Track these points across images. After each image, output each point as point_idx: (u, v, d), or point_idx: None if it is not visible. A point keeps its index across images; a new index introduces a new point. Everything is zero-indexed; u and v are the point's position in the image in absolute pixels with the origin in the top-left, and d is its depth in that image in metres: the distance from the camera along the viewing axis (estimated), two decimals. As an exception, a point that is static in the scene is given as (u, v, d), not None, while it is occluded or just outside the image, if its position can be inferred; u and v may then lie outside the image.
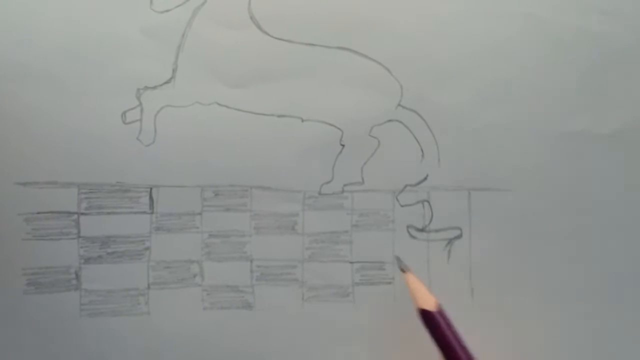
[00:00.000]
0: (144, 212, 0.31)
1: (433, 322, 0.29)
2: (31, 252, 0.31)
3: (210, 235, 0.32)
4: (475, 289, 0.33)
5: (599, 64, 0.33)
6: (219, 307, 0.32)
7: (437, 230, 0.33)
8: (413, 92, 0.32)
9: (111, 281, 0.31)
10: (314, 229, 0.32)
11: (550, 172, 0.33)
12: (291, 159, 0.32)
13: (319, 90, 0.32)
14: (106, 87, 0.31)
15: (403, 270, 0.30)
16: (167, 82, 0.31)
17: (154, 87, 0.31)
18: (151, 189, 0.31)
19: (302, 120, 0.32)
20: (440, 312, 0.29)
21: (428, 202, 0.33)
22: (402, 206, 0.33)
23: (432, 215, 0.33)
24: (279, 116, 0.32)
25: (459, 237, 0.33)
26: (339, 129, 0.32)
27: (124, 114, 0.31)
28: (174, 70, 0.31)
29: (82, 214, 0.31)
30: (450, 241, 0.33)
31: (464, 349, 0.28)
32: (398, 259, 0.32)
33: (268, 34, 0.32)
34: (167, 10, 0.31)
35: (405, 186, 0.33)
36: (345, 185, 0.32)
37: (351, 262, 0.33)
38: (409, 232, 0.33)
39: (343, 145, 0.32)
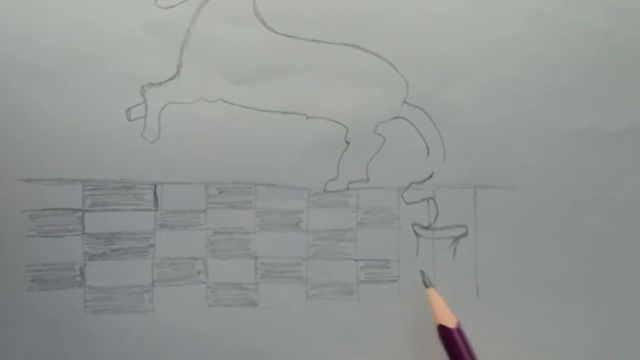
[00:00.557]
0: (149, 209, 0.31)
1: (450, 338, 0.29)
2: (35, 248, 0.31)
3: (214, 233, 0.32)
4: (480, 287, 0.32)
5: (606, 61, 0.33)
6: (223, 305, 0.32)
7: (442, 228, 0.33)
8: (419, 89, 0.32)
9: (115, 278, 0.31)
10: (318, 227, 0.32)
11: (557, 170, 0.33)
12: (296, 156, 0.32)
13: (324, 87, 0.32)
14: (110, 83, 0.31)
15: (426, 285, 0.31)
16: (171, 79, 0.31)
17: (159, 84, 0.31)
18: (155, 186, 0.31)
19: (307, 117, 0.32)
20: (459, 330, 0.29)
21: (433, 199, 0.33)
22: (407, 204, 0.32)
23: (437, 213, 0.33)
24: (284, 113, 0.32)
25: (465, 235, 0.33)
26: (344, 126, 0.32)
27: (128, 110, 0.31)
28: (179, 67, 0.31)
29: (87, 210, 0.31)
30: (455, 239, 0.33)
31: None
32: (422, 273, 0.32)
33: (273, 30, 0.31)
34: (172, 7, 0.31)
35: (411, 184, 0.32)
36: (350, 182, 0.32)
37: (356, 260, 0.32)
38: (414, 230, 0.33)
39: (348, 143, 0.32)
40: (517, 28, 0.32)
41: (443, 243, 0.33)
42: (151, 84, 0.31)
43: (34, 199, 0.31)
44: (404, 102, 0.32)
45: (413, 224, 0.33)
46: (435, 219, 0.33)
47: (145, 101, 0.31)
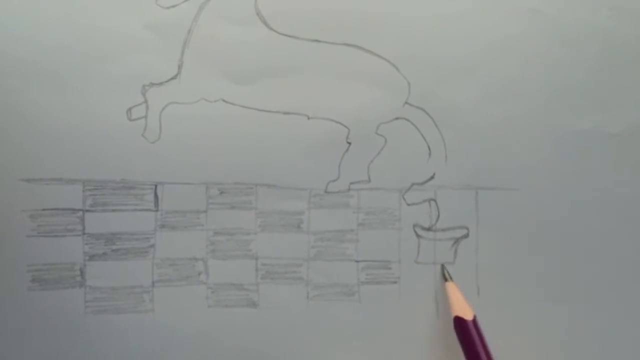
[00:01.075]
0: (149, 210, 0.31)
1: (466, 330, 0.30)
2: (36, 248, 0.31)
3: (215, 233, 0.32)
4: (481, 288, 0.32)
5: (608, 61, 0.33)
6: (223, 305, 0.32)
7: (443, 230, 0.32)
8: (420, 89, 0.32)
9: (116, 278, 0.31)
10: (319, 228, 0.32)
11: (558, 171, 0.33)
12: (297, 157, 0.32)
13: (326, 87, 0.32)
14: (111, 83, 0.31)
15: (445, 279, 0.31)
16: (172, 79, 0.31)
17: (160, 84, 0.31)
18: (156, 186, 0.31)
19: (309, 118, 0.32)
20: (475, 323, 0.30)
21: (435, 201, 0.32)
22: (408, 205, 0.32)
23: (438, 214, 0.32)
24: (285, 113, 0.32)
25: (466, 236, 0.32)
26: (345, 126, 0.32)
27: (129, 110, 0.31)
28: (180, 67, 0.31)
29: (87, 210, 0.31)
30: (456, 240, 0.32)
31: (490, 359, 0.29)
32: (443, 267, 0.32)
33: (274, 31, 0.31)
34: (173, 6, 0.31)
35: (412, 185, 0.32)
36: (351, 183, 0.32)
37: (357, 261, 0.32)
38: (415, 231, 0.32)
39: (349, 143, 0.32)
40: (519, 28, 0.32)
41: (444, 244, 0.33)
42: (152, 84, 0.31)
43: (34, 198, 0.31)
44: (406, 102, 0.32)
45: (414, 225, 0.32)
46: (437, 220, 0.32)
47: (146, 101, 0.31)
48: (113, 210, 0.31)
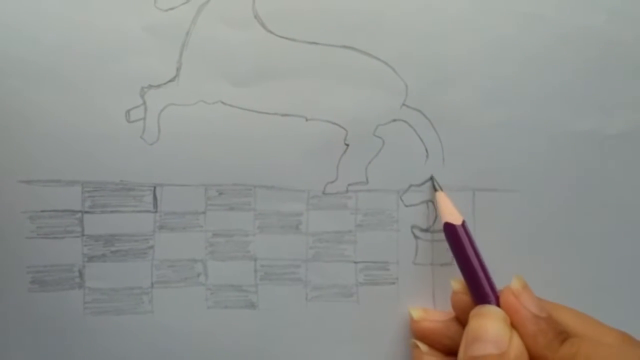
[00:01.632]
0: (148, 211, 0.31)
1: (455, 235, 0.30)
2: (35, 250, 0.31)
3: (214, 235, 0.32)
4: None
5: (606, 63, 0.33)
6: (222, 307, 0.32)
7: (441, 231, 0.32)
8: (418, 91, 0.32)
9: (115, 280, 0.31)
10: (318, 229, 0.32)
11: (556, 173, 0.33)
12: (295, 158, 0.32)
13: (323, 89, 0.32)
14: (110, 85, 0.31)
15: (435, 189, 0.32)
16: (171, 81, 0.31)
17: (158, 86, 0.31)
18: (155, 187, 0.31)
19: (306, 120, 0.32)
20: (464, 226, 0.30)
21: (432, 202, 0.33)
22: (406, 206, 0.32)
23: (436, 216, 0.33)
24: (283, 115, 0.32)
25: (464, 237, 0.32)
26: (343, 128, 0.32)
27: (127, 112, 0.31)
28: (178, 69, 0.31)
29: (86, 212, 0.31)
30: (454, 241, 0.33)
31: (481, 263, 0.29)
32: (433, 178, 0.32)
33: (272, 33, 0.31)
34: (172, 8, 0.31)
35: (410, 186, 0.32)
36: (349, 184, 0.32)
37: (355, 262, 0.32)
38: (413, 232, 0.33)
39: (347, 145, 0.32)
40: (517, 30, 0.32)
41: (442, 245, 0.33)
42: (151, 86, 0.31)
43: (33, 200, 0.31)
44: (403, 104, 0.32)
45: (412, 227, 0.33)
46: (434, 221, 0.33)
47: (144, 103, 0.31)
48: (112, 212, 0.31)
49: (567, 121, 0.33)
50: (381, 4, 0.32)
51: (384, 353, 0.33)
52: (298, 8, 0.31)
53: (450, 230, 0.30)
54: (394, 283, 0.33)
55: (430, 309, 0.32)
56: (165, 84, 0.31)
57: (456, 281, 0.30)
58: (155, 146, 0.31)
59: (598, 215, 0.33)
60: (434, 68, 0.32)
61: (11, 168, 0.30)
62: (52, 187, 0.31)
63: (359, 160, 0.32)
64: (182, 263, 0.32)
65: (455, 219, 0.30)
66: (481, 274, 0.29)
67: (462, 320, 0.30)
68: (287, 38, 0.31)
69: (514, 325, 0.27)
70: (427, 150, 0.32)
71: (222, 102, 0.31)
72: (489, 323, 0.27)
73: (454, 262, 0.32)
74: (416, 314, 0.32)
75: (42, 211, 0.31)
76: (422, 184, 0.32)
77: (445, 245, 0.32)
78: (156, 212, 0.31)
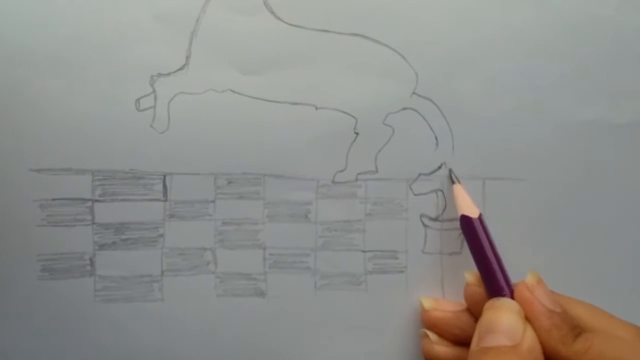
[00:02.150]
0: (158, 200, 0.31)
1: (471, 228, 0.30)
2: (46, 238, 0.31)
3: (223, 223, 0.32)
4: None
5: (615, 52, 0.33)
6: (232, 295, 0.32)
7: (450, 220, 0.33)
8: (428, 80, 0.32)
9: (125, 267, 0.32)
10: (327, 218, 0.32)
11: (565, 162, 0.33)
12: (304, 147, 0.32)
13: (333, 77, 0.32)
14: (120, 73, 0.31)
15: (453, 182, 0.32)
16: (180, 69, 0.31)
17: (168, 74, 0.31)
18: (165, 176, 0.31)
19: (316, 108, 0.32)
20: (481, 220, 0.30)
21: (442, 191, 0.33)
22: (415, 195, 0.33)
23: (445, 205, 0.33)
24: (293, 104, 0.32)
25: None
26: (353, 117, 0.32)
27: (137, 101, 0.31)
28: (188, 57, 0.31)
29: (97, 200, 0.31)
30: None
31: (497, 256, 0.30)
32: (450, 171, 0.32)
33: (282, 20, 0.31)
34: (181, -4, 0.31)
35: (419, 175, 0.32)
36: (359, 173, 0.32)
37: (364, 251, 0.33)
38: (422, 221, 0.33)
39: (357, 134, 0.32)
40: (527, 19, 0.32)
41: (451, 234, 0.33)
42: (160, 74, 0.31)
43: (44, 188, 0.31)
44: (413, 93, 0.32)
45: (421, 215, 0.33)
46: (444, 210, 0.33)
47: (154, 91, 0.31)
48: (122, 200, 0.31)
49: (576, 110, 0.33)
50: (391, -8, 0.32)
51: (393, 341, 0.33)
52: (308, -4, 0.31)
53: (466, 223, 0.30)
54: (402, 272, 0.33)
55: (442, 298, 0.32)
56: (174, 72, 0.31)
57: (470, 273, 0.31)
58: (165, 135, 0.31)
59: (605, 204, 0.33)
60: (445, 56, 0.32)
61: (22, 157, 0.30)
62: (63, 176, 0.31)
63: (369, 149, 0.32)
64: (192, 251, 0.32)
65: (472, 212, 0.30)
66: (496, 268, 0.29)
67: (474, 312, 0.31)
68: (296, 26, 0.31)
69: (528, 320, 0.27)
70: (436, 139, 0.32)
71: (232, 91, 0.31)
72: (503, 315, 0.27)
73: (463, 251, 0.33)
74: (427, 303, 0.32)
75: (53, 199, 0.31)
76: (432, 172, 0.32)
77: (454, 234, 0.33)
78: (166, 200, 0.32)
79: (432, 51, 0.32)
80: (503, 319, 0.27)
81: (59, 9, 0.30)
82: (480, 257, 0.30)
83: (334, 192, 0.32)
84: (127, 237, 0.31)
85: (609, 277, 0.33)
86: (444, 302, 0.32)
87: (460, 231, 0.33)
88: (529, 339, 0.26)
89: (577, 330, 0.27)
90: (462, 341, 0.30)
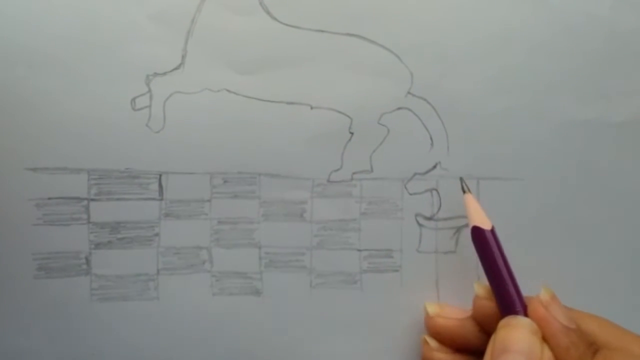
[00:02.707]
0: (154, 199, 0.32)
1: (483, 240, 0.29)
2: (41, 237, 0.31)
3: (219, 222, 0.32)
4: (482, 278, 0.33)
5: (611, 51, 0.33)
6: (227, 293, 0.32)
7: (445, 219, 0.33)
8: (423, 79, 0.32)
9: (121, 266, 0.32)
10: (322, 217, 0.32)
11: (561, 161, 0.33)
12: (300, 147, 0.32)
13: (329, 77, 0.32)
14: (115, 73, 0.31)
15: (464, 191, 0.31)
16: (176, 69, 0.31)
17: (163, 74, 0.31)
18: (160, 175, 0.32)
19: (311, 108, 0.32)
20: (493, 232, 0.29)
21: (437, 190, 0.33)
22: (410, 194, 0.33)
23: (440, 204, 0.33)
24: (288, 103, 0.32)
25: (467, 225, 0.33)
26: (348, 116, 0.32)
27: (133, 100, 0.31)
28: (183, 57, 0.31)
29: (92, 199, 0.31)
30: (458, 230, 0.33)
31: (509, 271, 0.29)
32: (462, 180, 0.31)
33: (277, 20, 0.31)
34: (177, -4, 0.31)
35: (414, 174, 0.33)
36: (354, 173, 0.32)
37: (359, 250, 0.33)
38: (417, 220, 0.33)
39: (352, 133, 0.32)
40: (522, 18, 0.32)
41: (445, 233, 0.33)
42: (156, 74, 0.31)
43: (39, 187, 0.31)
44: (408, 92, 0.32)
45: (416, 215, 0.33)
46: (439, 209, 0.33)
47: (150, 91, 0.31)
48: (118, 199, 0.31)
49: (572, 109, 0.33)
50: (386, -9, 0.32)
51: (387, 339, 0.33)
52: (303, -4, 0.31)
53: (478, 235, 0.29)
54: (397, 271, 0.33)
55: (447, 305, 0.32)
56: (170, 71, 0.31)
57: (480, 286, 0.30)
58: (161, 134, 0.31)
59: (602, 204, 0.33)
60: (440, 56, 0.32)
61: (18, 156, 0.31)
62: (59, 175, 0.31)
63: (364, 149, 0.32)
64: (188, 250, 0.32)
65: (485, 224, 0.29)
66: (509, 282, 0.28)
67: (482, 324, 0.30)
68: (292, 26, 0.31)
69: (544, 338, 0.27)
70: (431, 139, 0.32)
71: (227, 90, 0.31)
72: (520, 334, 0.26)
73: (458, 250, 0.33)
74: (432, 309, 0.31)
75: (49, 198, 0.31)
76: (427, 172, 0.33)
77: (449, 233, 0.33)
78: (162, 199, 0.32)
79: (427, 51, 0.32)
80: (520, 338, 0.26)
81: (55, 8, 0.30)
82: (492, 271, 0.29)
83: (329, 191, 0.32)
84: (122, 236, 0.32)
85: (608, 277, 0.33)
86: (449, 309, 0.31)
87: (455, 230, 0.33)
88: (548, 359, 0.26)
89: (593, 347, 0.26)
90: (463, 349, 0.30)
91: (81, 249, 0.31)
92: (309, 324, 0.33)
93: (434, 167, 0.33)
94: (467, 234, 0.33)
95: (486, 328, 0.30)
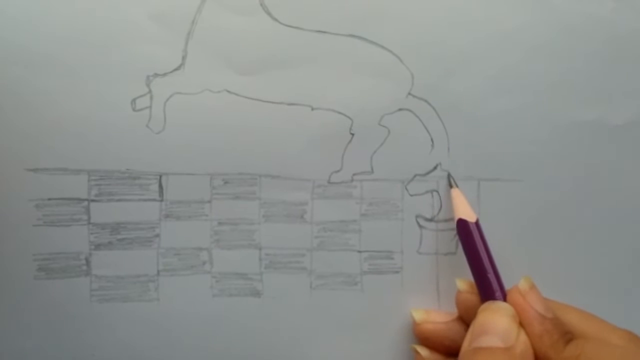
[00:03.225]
0: (154, 200, 0.32)
1: (468, 232, 0.30)
2: (42, 237, 0.31)
3: (219, 223, 0.32)
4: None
5: (612, 52, 0.33)
6: (227, 295, 0.32)
7: (445, 220, 0.33)
8: (424, 81, 0.32)
9: (121, 267, 0.32)
10: (322, 218, 0.32)
11: (561, 163, 0.33)
12: (300, 148, 0.32)
13: (329, 78, 0.32)
14: (116, 74, 0.31)
15: (451, 185, 0.32)
16: (176, 69, 0.31)
17: (164, 74, 0.31)
18: (161, 176, 0.32)
19: (312, 109, 0.32)
20: (477, 225, 0.30)
21: (437, 191, 0.33)
22: (411, 196, 0.33)
23: (441, 205, 0.33)
24: (289, 104, 0.32)
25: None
26: (348, 117, 0.32)
27: (133, 101, 0.31)
28: (184, 57, 0.31)
29: (93, 200, 0.31)
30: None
31: (491, 261, 0.30)
32: (449, 175, 0.32)
33: (278, 21, 0.31)
34: (177, -3, 0.31)
35: (415, 176, 0.33)
36: (354, 174, 0.32)
37: (359, 251, 0.33)
38: (417, 221, 0.33)
39: (353, 134, 0.32)
40: (523, 19, 0.32)
41: (446, 235, 0.33)
42: (156, 75, 0.31)
43: (40, 188, 0.31)
44: (409, 94, 0.32)
45: (417, 216, 0.33)
46: (439, 211, 0.33)
47: (150, 91, 0.31)
48: (118, 200, 0.31)
49: (572, 111, 0.33)
50: (387, -7, 0.32)
51: (388, 341, 0.33)
52: (304, -3, 0.31)
53: (463, 227, 0.30)
54: (398, 272, 0.33)
55: (432, 310, 0.32)
56: (171, 72, 0.31)
57: (462, 281, 0.31)
58: (161, 135, 0.31)
59: (602, 205, 0.33)
60: (440, 57, 0.32)
61: (18, 156, 0.30)
62: (59, 176, 0.31)
63: (364, 150, 0.32)
64: (188, 251, 0.32)
65: (470, 216, 0.30)
66: (491, 272, 0.29)
67: (465, 319, 0.31)
68: (293, 27, 0.31)
69: (520, 324, 0.27)
70: (432, 140, 0.32)
71: (228, 91, 0.31)
72: (498, 317, 0.27)
73: (458, 251, 0.33)
74: (418, 316, 0.32)
75: (49, 199, 0.31)
76: (427, 173, 0.33)
77: (450, 235, 0.33)
78: (162, 200, 0.32)
79: (428, 52, 0.32)
80: (498, 321, 0.27)
81: (55, 8, 0.30)
82: (475, 262, 0.30)
83: (329, 192, 0.32)
84: (123, 237, 0.32)
85: (606, 278, 0.33)
86: (435, 314, 0.32)
87: (455, 232, 0.33)
88: (522, 343, 0.27)
89: (568, 336, 0.27)
90: (453, 352, 0.30)
91: (81, 250, 0.31)
92: (309, 325, 0.33)
93: (435, 168, 0.33)
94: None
95: (470, 323, 0.30)
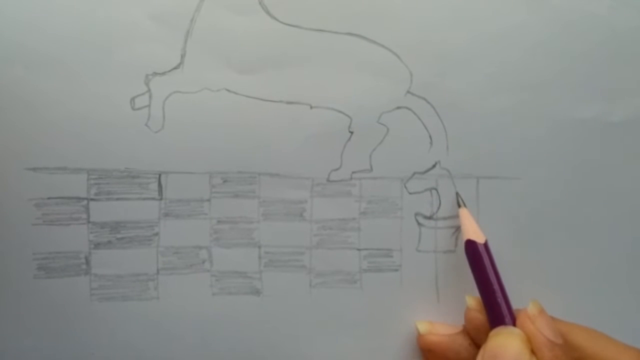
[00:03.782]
0: (153, 198, 0.32)
1: (477, 253, 0.30)
2: (41, 237, 0.31)
3: (218, 222, 0.32)
4: (482, 277, 0.33)
5: (610, 50, 0.33)
6: (227, 293, 0.32)
7: (445, 218, 0.33)
8: (422, 79, 0.32)
9: (121, 266, 0.32)
10: (322, 216, 0.32)
11: (560, 160, 0.33)
12: (299, 146, 0.32)
13: (328, 76, 0.32)
14: (115, 73, 0.31)
15: (459, 205, 0.32)
16: (175, 68, 0.31)
17: (163, 73, 0.31)
18: (160, 175, 0.32)
19: (311, 107, 0.32)
20: (486, 246, 0.30)
21: (436, 189, 0.33)
22: (410, 194, 0.33)
23: (440, 203, 0.33)
24: (288, 103, 0.32)
25: (467, 226, 0.33)
26: (347, 115, 0.32)
27: (132, 100, 0.31)
28: (183, 56, 0.31)
29: (92, 199, 0.31)
30: (457, 229, 0.33)
31: (500, 283, 0.30)
32: (458, 195, 0.32)
33: (277, 20, 0.31)
34: (176, -4, 0.31)
35: (414, 174, 0.33)
36: (353, 172, 0.32)
37: (359, 249, 0.33)
38: (416, 219, 0.33)
39: (352, 132, 0.32)
40: (521, 17, 0.32)
41: (445, 233, 0.33)
42: (155, 73, 0.31)
43: (39, 187, 0.31)
44: (408, 92, 0.32)
45: (416, 214, 0.33)
46: (438, 208, 0.33)
47: (149, 90, 0.31)
48: (117, 199, 0.31)
49: (571, 108, 0.33)
50: (386, -9, 0.32)
51: (387, 339, 0.33)
52: (303, -5, 0.31)
53: (472, 248, 0.30)
54: (397, 270, 0.33)
55: (437, 323, 0.32)
56: (170, 71, 0.31)
57: (471, 298, 0.31)
58: (160, 134, 0.31)
59: (600, 203, 0.33)
60: (439, 55, 0.32)
61: (17, 156, 0.31)
62: (58, 175, 0.31)
63: (363, 148, 0.32)
64: (187, 250, 0.32)
65: (479, 237, 0.30)
66: (499, 295, 0.29)
67: (472, 336, 0.31)
68: (292, 25, 0.31)
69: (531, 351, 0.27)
70: (431, 138, 0.32)
71: (227, 90, 0.31)
72: (510, 343, 0.27)
73: (457, 249, 0.33)
74: (422, 327, 0.32)
75: (49, 198, 0.31)
76: (426, 171, 0.33)
77: (449, 233, 0.33)
78: (161, 199, 0.32)
79: (427, 50, 0.32)
80: (510, 346, 0.27)
81: (54, 8, 0.30)
82: (483, 284, 0.30)
83: (328, 190, 0.32)
84: (122, 236, 0.32)
85: (605, 276, 0.33)
86: (439, 326, 0.32)
87: (454, 229, 0.33)
88: None
89: None
90: None
91: (81, 249, 0.31)
92: (309, 323, 0.33)
93: (434, 166, 0.33)
94: (466, 233, 0.33)
95: (477, 340, 0.30)
